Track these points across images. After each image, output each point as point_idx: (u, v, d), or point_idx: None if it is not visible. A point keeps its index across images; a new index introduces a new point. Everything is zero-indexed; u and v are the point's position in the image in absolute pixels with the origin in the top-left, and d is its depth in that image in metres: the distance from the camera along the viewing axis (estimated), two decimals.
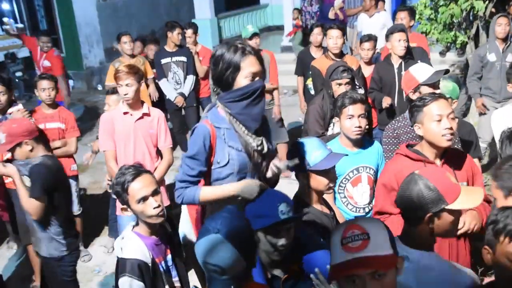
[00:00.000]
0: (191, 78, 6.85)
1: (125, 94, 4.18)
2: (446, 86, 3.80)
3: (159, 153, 4.48)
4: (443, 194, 2.06)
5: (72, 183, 5.00)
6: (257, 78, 2.48)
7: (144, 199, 2.57)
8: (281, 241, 2.28)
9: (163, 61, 6.83)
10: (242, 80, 2.43)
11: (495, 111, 4.26)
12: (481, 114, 5.74)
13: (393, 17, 6.41)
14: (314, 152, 2.74)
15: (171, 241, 2.81)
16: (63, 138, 4.95)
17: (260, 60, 2.47)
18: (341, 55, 5.52)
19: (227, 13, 14.03)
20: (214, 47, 2.53)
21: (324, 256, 2.32)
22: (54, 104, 4.99)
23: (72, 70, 11.31)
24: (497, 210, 2.00)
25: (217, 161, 2.55)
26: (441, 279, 2.03)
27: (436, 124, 2.80)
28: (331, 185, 2.77)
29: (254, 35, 6.20)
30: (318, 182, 2.76)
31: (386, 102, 5.07)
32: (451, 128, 2.79)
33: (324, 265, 2.15)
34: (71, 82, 11.14)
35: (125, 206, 2.63)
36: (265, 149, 2.60)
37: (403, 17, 6.18)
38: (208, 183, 2.65)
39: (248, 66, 2.41)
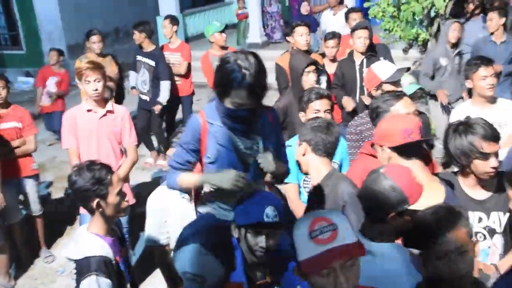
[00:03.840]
0: (165, 84, 6.71)
1: (95, 90, 4.11)
2: (408, 83, 3.90)
3: (123, 151, 4.43)
4: (407, 195, 2.12)
5: (32, 182, 4.91)
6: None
7: (121, 190, 2.60)
8: (260, 243, 2.27)
9: (138, 57, 6.83)
10: (228, 104, 2.39)
11: (453, 110, 4.37)
12: (442, 106, 5.85)
13: (365, 14, 6.49)
14: None
15: (122, 245, 2.79)
16: (21, 137, 4.82)
17: (255, 92, 2.34)
18: (308, 52, 5.56)
19: (193, 9, 13.94)
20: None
21: None
22: (6, 104, 4.82)
23: (33, 67, 11.04)
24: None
25: (208, 156, 2.56)
26: (405, 268, 2.07)
27: None
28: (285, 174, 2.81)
29: (224, 29, 6.37)
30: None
31: (349, 106, 5.12)
32: None
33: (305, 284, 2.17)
34: (31, 80, 10.90)
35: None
36: (260, 151, 2.56)
37: (356, 18, 6.28)
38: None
39: (236, 97, 2.35)
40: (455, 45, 5.87)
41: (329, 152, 2.81)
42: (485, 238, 2.69)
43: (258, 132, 2.54)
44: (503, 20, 6.04)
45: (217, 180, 2.48)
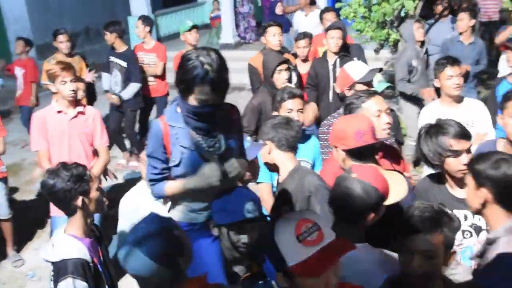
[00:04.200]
0: (134, 86, 6.65)
1: (72, 91, 4.05)
2: (377, 82, 3.96)
3: (95, 152, 4.38)
4: (383, 193, 2.17)
5: (1, 185, 4.81)
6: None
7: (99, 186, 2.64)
8: (243, 239, 2.30)
9: (110, 58, 6.74)
10: (192, 101, 2.38)
11: (423, 109, 4.44)
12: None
13: (321, 18, 6.58)
14: None
15: (100, 244, 2.78)
16: None
17: (218, 88, 2.34)
18: (281, 52, 5.59)
19: (165, 10, 13.84)
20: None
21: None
22: None
23: None
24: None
25: (173, 159, 2.54)
26: (373, 268, 2.10)
27: (376, 119, 2.89)
28: (254, 173, 2.83)
29: (193, 27, 6.35)
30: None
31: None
32: (389, 123, 2.92)
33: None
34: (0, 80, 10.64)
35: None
36: (222, 149, 2.55)
37: (329, 18, 6.34)
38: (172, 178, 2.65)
39: (200, 93, 2.34)
40: (422, 44, 5.96)
41: (292, 146, 2.90)
42: (471, 235, 2.73)
43: (221, 130, 2.55)
44: (473, 21, 6.19)
45: (201, 182, 2.46)
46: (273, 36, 5.31)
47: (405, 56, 5.93)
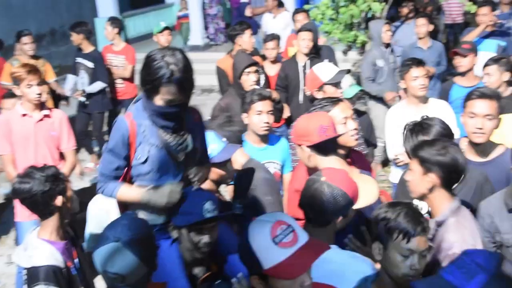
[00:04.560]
0: (100, 84, 6.57)
1: (38, 94, 3.98)
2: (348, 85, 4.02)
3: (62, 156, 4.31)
4: (352, 198, 2.21)
5: None
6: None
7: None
8: (204, 239, 2.30)
9: (77, 59, 6.64)
10: (158, 101, 2.38)
11: (390, 109, 4.52)
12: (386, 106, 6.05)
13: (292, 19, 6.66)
14: (210, 145, 2.79)
15: (75, 245, 2.76)
16: None
17: (183, 87, 2.35)
18: (252, 54, 5.63)
19: (133, 11, 13.68)
20: (153, 52, 2.37)
21: None
22: None
23: None
24: (386, 206, 2.14)
25: (137, 157, 2.51)
26: (341, 269, 2.13)
27: (342, 126, 2.92)
28: (228, 177, 2.85)
29: (165, 29, 6.36)
30: (215, 174, 2.82)
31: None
32: (356, 128, 2.95)
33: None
34: None
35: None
36: (189, 148, 2.55)
37: (301, 19, 6.38)
38: (129, 178, 2.60)
39: (166, 93, 2.33)
40: (388, 45, 6.08)
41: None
42: None
43: (187, 129, 2.55)
44: (431, 27, 6.38)
45: (159, 198, 2.43)
46: (249, 38, 5.37)
47: (370, 56, 6.03)
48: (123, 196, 2.54)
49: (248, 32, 5.64)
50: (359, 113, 4.40)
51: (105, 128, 7.15)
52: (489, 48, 5.96)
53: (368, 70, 5.99)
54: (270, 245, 1.67)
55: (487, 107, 3.09)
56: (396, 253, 2.04)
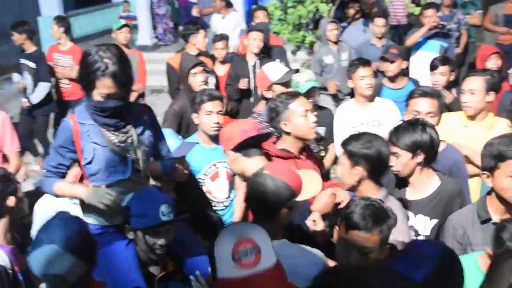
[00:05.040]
0: (43, 87, 6.34)
1: None
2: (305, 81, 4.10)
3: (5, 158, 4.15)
4: (295, 190, 2.24)
5: None
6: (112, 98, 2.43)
7: None
8: (160, 242, 2.31)
9: (20, 60, 6.42)
10: (96, 96, 2.41)
11: (338, 107, 4.61)
12: (333, 98, 6.18)
13: (250, 16, 6.69)
14: (168, 141, 2.81)
15: (23, 252, 2.69)
16: None
17: (119, 81, 2.38)
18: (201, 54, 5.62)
19: (78, 10, 13.33)
20: (88, 49, 2.43)
21: (206, 260, 2.37)
22: None
23: None
24: (359, 199, 2.20)
25: (85, 157, 2.52)
26: (292, 263, 2.15)
27: (303, 119, 2.98)
28: (186, 172, 2.85)
29: (124, 26, 6.35)
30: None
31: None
32: (315, 122, 3.03)
33: (206, 269, 2.18)
34: None
35: None
36: (135, 144, 2.55)
37: (261, 16, 6.43)
38: (84, 178, 2.63)
39: (102, 87, 2.37)
40: (336, 43, 6.20)
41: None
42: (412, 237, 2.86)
43: (131, 125, 2.56)
44: (385, 21, 6.55)
45: (87, 196, 2.49)
46: (202, 38, 5.36)
47: (318, 53, 6.28)
48: (59, 191, 2.58)
49: (202, 32, 5.64)
50: (321, 108, 4.47)
51: (51, 130, 6.94)
52: (433, 49, 6.18)
53: (314, 65, 6.21)
54: (228, 259, 1.66)
55: (428, 105, 3.21)
56: (340, 246, 2.11)
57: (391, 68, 4.87)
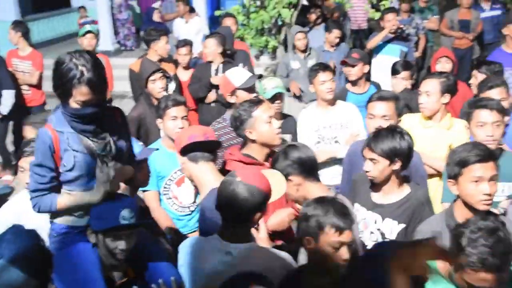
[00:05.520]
0: (8, 95, 6.15)
1: None
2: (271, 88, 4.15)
3: None
4: (266, 193, 2.27)
5: None
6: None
7: None
8: (120, 246, 2.31)
9: None
10: (73, 104, 2.38)
11: (302, 111, 4.67)
12: (295, 96, 6.28)
13: (213, 21, 6.73)
14: None
15: None
16: None
17: (95, 87, 2.35)
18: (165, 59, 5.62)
19: (36, 15, 13.04)
20: (61, 56, 2.38)
21: (169, 268, 2.40)
22: None
23: None
24: (313, 202, 2.25)
25: (64, 165, 2.47)
26: (261, 265, 2.19)
27: (268, 126, 3.01)
28: (146, 180, 2.84)
29: (88, 32, 6.24)
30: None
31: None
32: (280, 127, 3.07)
33: (168, 277, 2.20)
34: None
35: None
36: (113, 151, 2.52)
37: (229, 23, 6.47)
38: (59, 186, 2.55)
39: (79, 95, 2.34)
40: (304, 51, 6.30)
41: None
42: (377, 239, 2.93)
43: (108, 131, 2.54)
44: (340, 33, 6.77)
45: (93, 196, 2.45)
46: (164, 44, 5.34)
47: (285, 57, 6.47)
48: (64, 205, 2.50)
49: (164, 39, 5.64)
50: (285, 116, 4.51)
51: (10, 137, 6.77)
52: (393, 53, 6.34)
53: (281, 69, 6.39)
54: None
55: (384, 108, 3.31)
56: (328, 246, 2.14)
57: (353, 72, 4.96)
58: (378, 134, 2.85)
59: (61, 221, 2.53)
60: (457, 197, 2.59)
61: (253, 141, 3.05)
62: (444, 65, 5.02)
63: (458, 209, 2.59)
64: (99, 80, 2.35)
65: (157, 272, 2.38)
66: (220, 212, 2.33)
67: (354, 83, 5.01)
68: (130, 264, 2.41)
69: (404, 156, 2.79)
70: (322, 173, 3.66)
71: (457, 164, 2.49)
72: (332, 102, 4.32)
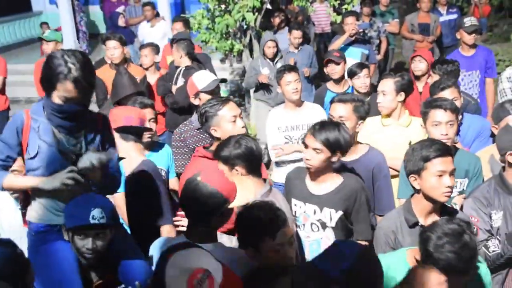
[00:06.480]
0: None
1: None
2: None
3: None
4: (226, 196, 2.29)
5: None
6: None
7: None
8: (87, 245, 2.31)
9: None
10: (55, 99, 2.42)
11: (270, 112, 4.74)
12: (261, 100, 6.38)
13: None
14: None
15: None
16: None
17: (80, 86, 2.39)
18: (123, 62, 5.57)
19: None
20: (54, 53, 2.44)
21: (143, 267, 2.41)
22: None
23: None
24: (249, 206, 2.35)
25: (29, 152, 2.52)
26: (228, 264, 2.23)
27: (232, 125, 3.08)
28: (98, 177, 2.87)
29: (52, 40, 6.25)
30: None
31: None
32: (244, 127, 3.15)
33: (145, 278, 2.23)
34: None
35: None
36: (82, 151, 2.54)
37: (178, 28, 6.48)
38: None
39: (63, 90, 2.38)
40: (274, 58, 6.40)
41: None
42: (318, 229, 3.02)
43: (85, 132, 2.57)
44: (301, 33, 6.84)
45: (45, 183, 2.46)
46: (114, 49, 5.34)
47: (254, 62, 6.58)
48: (11, 184, 2.56)
49: (112, 44, 5.47)
50: None
51: None
52: (354, 56, 6.47)
53: (249, 71, 6.54)
54: (183, 286, 1.72)
55: (341, 110, 3.40)
56: (271, 248, 2.23)
57: (337, 70, 5.17)
58: (324, 125, 2.93)
59: (38, 219, 2.55)
60: (415, 192, 2.68)
61: (218, 138, 3.10)
62: (417, 64, 5.14)
63: (416, 204, 2.67)
64: (85, 81, 2.39)
65: (132, 273, 2.39)
66: (183, 210, 2.37)
67: (336, 81, 5.18)
68: (106, 265, 2.40)
69: (344, 149, 2.89)
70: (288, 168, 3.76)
71: (420, 159, 2.57)
72: (299, 103, 4.41)
